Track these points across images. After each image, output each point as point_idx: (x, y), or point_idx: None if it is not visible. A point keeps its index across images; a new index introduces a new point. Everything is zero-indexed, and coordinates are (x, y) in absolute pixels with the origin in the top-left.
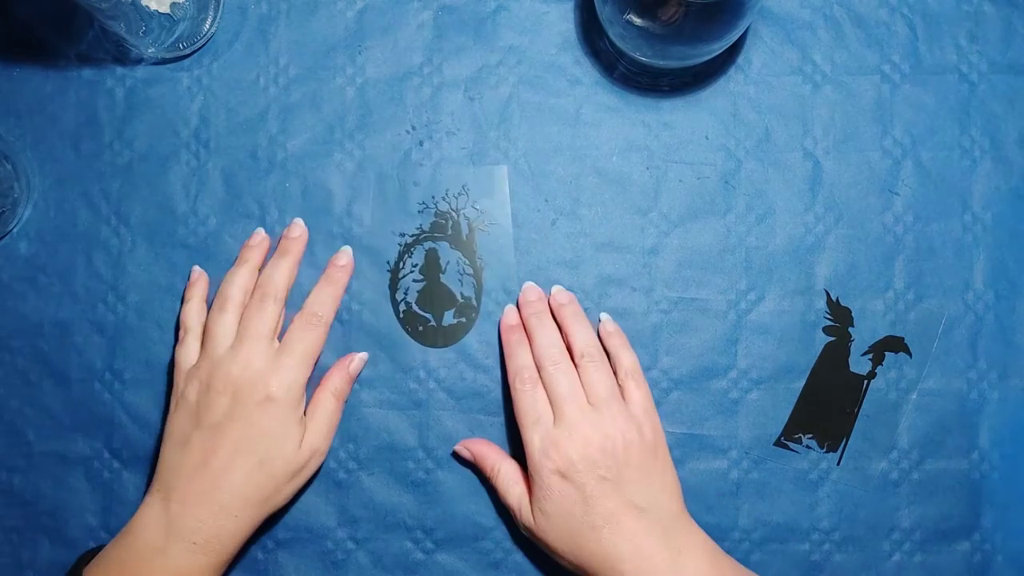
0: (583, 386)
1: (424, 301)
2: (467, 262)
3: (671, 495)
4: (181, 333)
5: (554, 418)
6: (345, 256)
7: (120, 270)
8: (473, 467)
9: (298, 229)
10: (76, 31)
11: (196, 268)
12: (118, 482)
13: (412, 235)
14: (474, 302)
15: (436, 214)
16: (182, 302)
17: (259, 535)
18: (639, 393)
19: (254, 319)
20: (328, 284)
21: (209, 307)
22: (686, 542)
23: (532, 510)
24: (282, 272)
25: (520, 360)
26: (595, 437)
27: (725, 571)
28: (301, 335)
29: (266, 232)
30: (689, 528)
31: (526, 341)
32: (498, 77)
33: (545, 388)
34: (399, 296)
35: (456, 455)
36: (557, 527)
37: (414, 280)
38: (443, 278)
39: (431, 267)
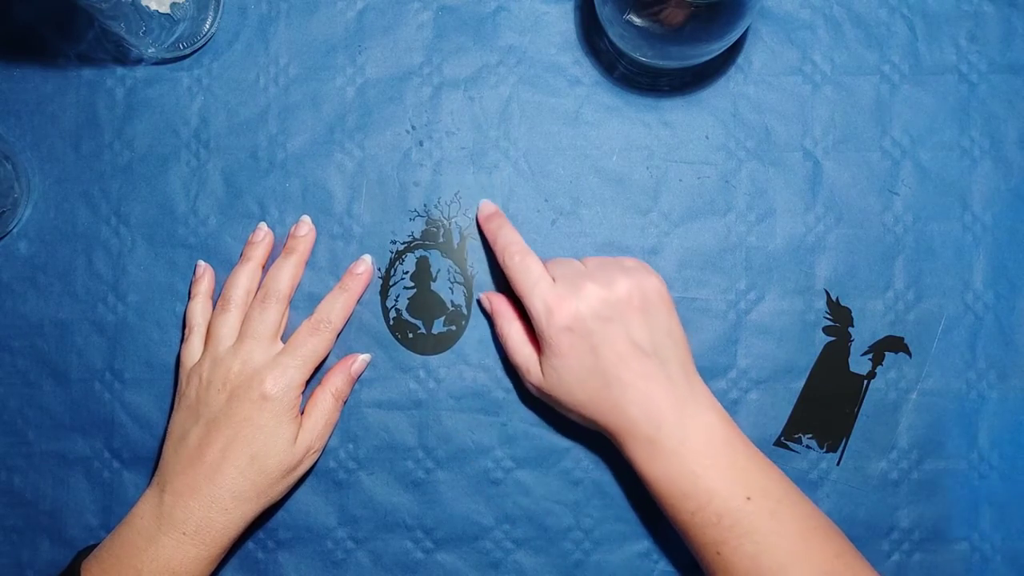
0: (578, 262)
1: (414, 308)
2: (458, 270)
3: (677, 341)
4: (186, 332)
5: (553, 280)
6: (363, 265)
7: (120, 270)
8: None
9: (305, 227)
10: (76, 31)
11: (201, 263)
12: (118, 482)
13: (404, 242)
14: (464, 310)
15: (428, 222)
16: (188, 298)
17: (259, 535)
18: (631, 259)
19: (256, 319)
20: (342, 292)
21: (215, 305)
22: (693, 391)
23: (542, 369)
24: (286, 272)
25: (506, 237)
26: (596, 288)
27: (729, 427)
28: (306, 339)
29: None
30: (694, 378)
31: (508, 223)
32: (498, 77)
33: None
34: (389, 303)
35: (479, 303)
36: (567, 381)
37: (405, 287)
38: (434, 286)
39: (422, 275)
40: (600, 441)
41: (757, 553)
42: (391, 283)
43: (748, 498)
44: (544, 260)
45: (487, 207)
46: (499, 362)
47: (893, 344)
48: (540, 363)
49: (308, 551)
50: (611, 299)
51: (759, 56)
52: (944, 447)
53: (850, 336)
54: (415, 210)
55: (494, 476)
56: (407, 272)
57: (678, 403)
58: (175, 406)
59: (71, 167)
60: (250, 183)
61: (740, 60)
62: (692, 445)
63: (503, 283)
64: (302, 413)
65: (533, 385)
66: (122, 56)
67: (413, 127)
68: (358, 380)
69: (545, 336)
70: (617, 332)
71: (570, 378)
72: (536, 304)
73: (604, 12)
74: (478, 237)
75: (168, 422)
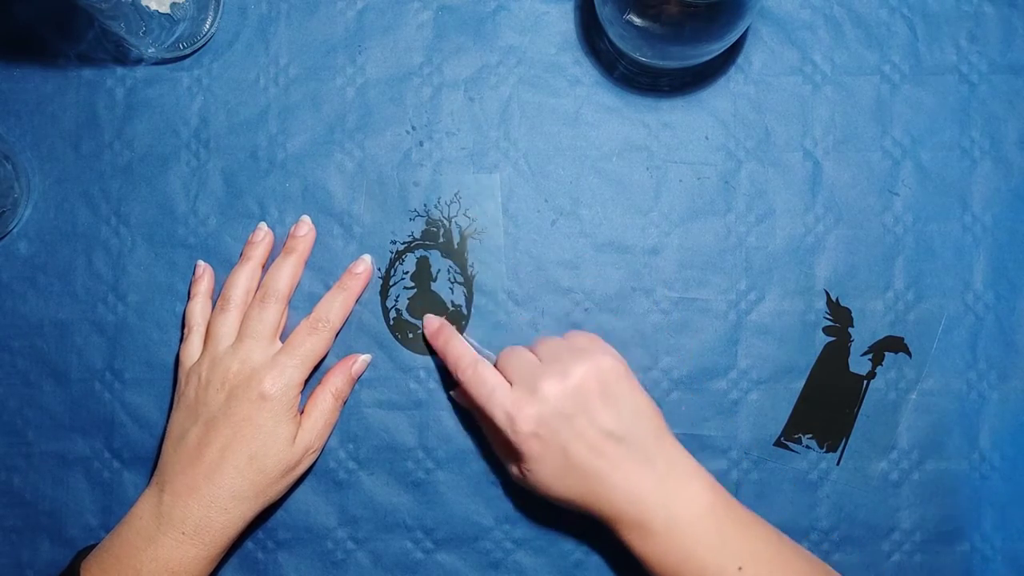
0: (530, 354)
1: (414, 309)
2: (458, 270)
3: (646, 417)
4: (185, 331)
5: (510, 383)
6: (363, 264)
7: (120, 270)
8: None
9: (305, 227)
10: (76, 31)
11: (201, 263)
12: (118, 482)
13: (404, 242)
14: (464, 310)
15: (428, 222)
16: (187, 298)
17: (259, 535)
18: (583, 336)
19: (255, 319)
20: (340, 291)
21: (214, 305)
22: (672, 463)
23: (520, 471)
24: (286, 272)
25: (455, 351)
26: (553, 383)
27: (712, 492)
28: (305, 338)
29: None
30: (673, 449)
31: (456, 336)
32: (498, 77)
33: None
34: (389, 303)
35: (450, 399)
36: (546, 481)
37: (405, 288)
38: (434, 286)
39: (422, 275)
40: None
41: None
42: (391, 283)
43: (740, 568)
44: (495, 354)
45: (431, 322)
46: None
47: (893, 344)
48: (519, 466)
49: (308, 551)
50: (570, 392)
51: (759, 56)
52: (945, 448)
53: (850, 336)
54: (415, 210)
55: (494, 476)
56: (407, 272)
57: (658, 482)
58: (174, 406)
59: (71, 167)
60: (250, 183)
61: (740, 60)
62: (678, 522)
63: (503, 283)
64: (302, 413)
65: (518, 480)
66: (122, 56)
67: (413, 127)
68: (358, 380)
69: (514, 444)
70: (583, 426)
71: (548, 478)
72: (498, 415)
73: (604, 12)
74: (479, 237)
75: (167, 422)
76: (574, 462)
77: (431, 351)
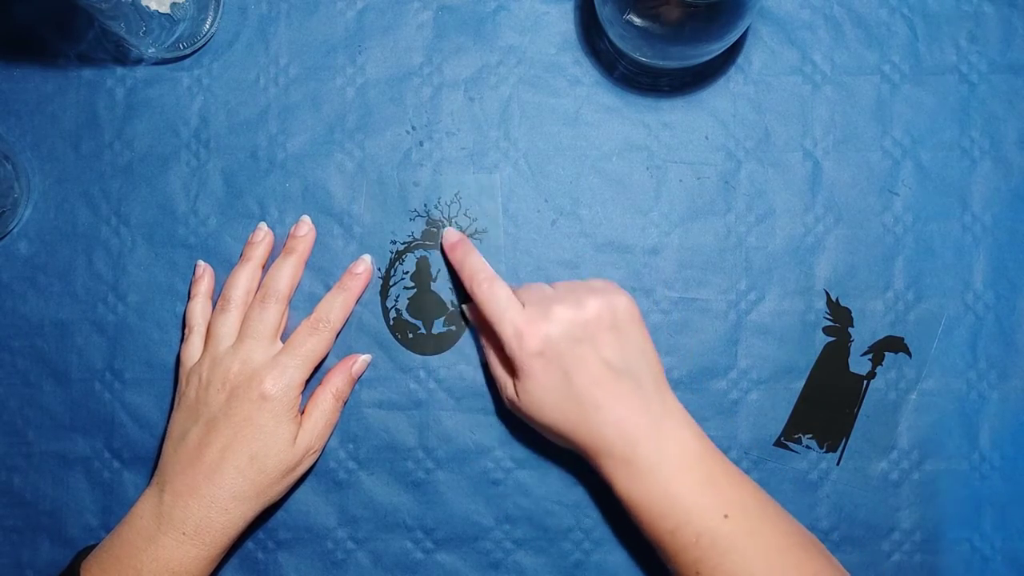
0: (547, 286)
1: (414, 309)
2: None
3: (648, 359)
4: (186, 331)
5: (523, 305)
6: (363, 265)
7: (120, 270)
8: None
9: (305, 227)
10: (76, 31)
11: (201, 263)
12: (118, 482)
13: (404, 242)
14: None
15: (428, 222)
16: (188, 298)
17: (259, 535)
18: (599, 280)
19: (255, 319)
20: (341, 291)
21: (215, 305)
22: (666, 409)
23: (516, 391)
24: (286, 272)
25: (472, 265)
26: (566, 309)
27: (704, 443)
28: (305, 339)
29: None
30: (667, 395)
31: (474, 251)
32: (498, 77)
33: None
34: (389, 303)
35: (462, 314)
36: (541, 404)
37: (405, 288)
38: (434, 286)
39: (422, 275)
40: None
41: (736, 572)
42: (391, 283)
43: (726, 516)
44: (513, 287)
45: (451, 235)
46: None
47: (893, 344)
48: (514, 384)
49: (308, 551)
50: (581, 320)
51: (759, 56)
52: (945, 448)
53: (850, 336)
54: (415, 210)
55: (494, 476)
56: (407, 272)
57: (653, 422)
58: (175, 406)
59: (71, 167)
60: (250, 183)
61: (740, 60)
62: (668, 464)
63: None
64: (302, 413)
65: (510, 402)
66: (122, 56)
67: (413, 127)
68: (358, 380)
69: (517, 361)
70: (589, 353)
71: (544, 401)
72: (506, 329)
73: (604, 12)
74: (479, 237)
75: (168, 422)
76: (574, 388)
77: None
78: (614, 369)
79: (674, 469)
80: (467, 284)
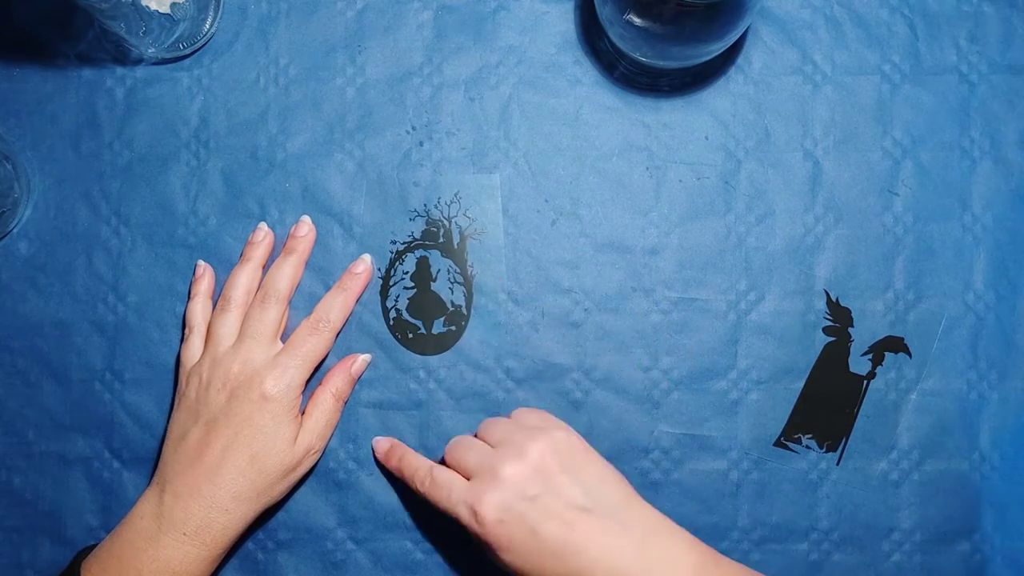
0: (480, 443)
1: (414, 309)
2: (458, 270)
3: (612, 484)
4: (186, 331)
5: (468, 479)
6: (363, 264)
7: (120, 270)
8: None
9: (305, 227)
10: (76, 31)
11: (201, 263)
12: (118, 482)
13: (403, 243)
14: (464, 311)
15: (428, 222)
16: (188, 298)
17: (259, 535)
18: (531, 413)
19: (256, 319)
20: (341, 291)
21: (215, 305)
22: (649, 528)
23: (496, 560)
24: (286, 272)
25: (410, 466)
26: (510, 467)
27: (692, 548)
28: (306, 338)
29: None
30: (646, 513)
31: (408, 452)
32: (498, 77)
33: (451, 468)
34: (389, 303)
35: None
36: (524, 566)
37: (405, 288)
38: (434, 286)
39: (422, 275)
40: (599, 442)
41: None
42: (391, 283)
43: None
44: (436, 458)
45: (381, 444)
46: (499, 362)
47: (893, 344)
48: (494, 556)
49: (308, 551)
50: (530, 473)
51: (759, 56)
52: (945, 448)
53: (850, 336)
54: (415, 210)
55: None
56: (407, 272)
57: (639, 548)
58: (175, 406)
59: (71, 167)
60: (250, 183)
61: (740, 60)
62: None
63: (503, 283)
64: (302, 413)
65: (498, 566)
66: (122, 56)
67: (413, 127)
68: (358, 380)
69: (482, 537)
70: (550, 503)
71: (525, 564)
72: (461, 512)
73: (604, 12)
74: (479, 237)
75: (168, 422)
76: (548, 544)
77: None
78: (582, 509)
79: None
80: (411, 484)
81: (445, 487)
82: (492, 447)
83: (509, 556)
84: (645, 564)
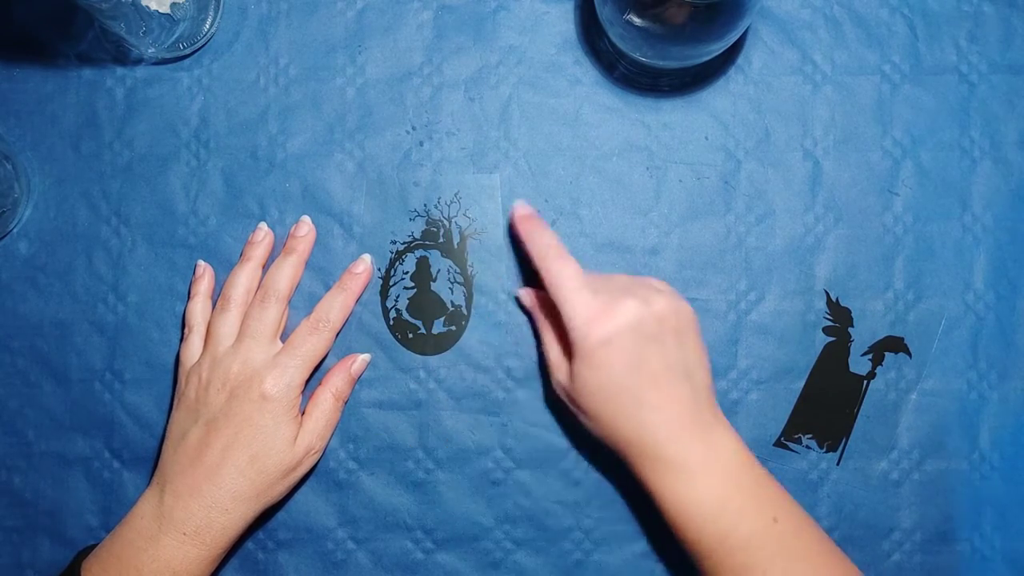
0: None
1: (414, 309)
2: (458, 270)
3: (705, 368)
4: (185, 331)
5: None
6: (362, 264)
7: (120, 270)
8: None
9: (305, 227)
10: (76, 31)
11: (201, 263)
12: (118, 482)
13: (404, 242)
14: (464, 310)
15: (428, 222)
16: (188, 298)
17: (259, 535)
18: (659, 281)
19: (255, 319)
20: (340, 291)
21: (215, 304)
22: (717, 417)
23: (572, 374)
24: (286, 272)
25: (543, 240)
26: (637, 304)
27: (748, 452)
28: (305, 338)
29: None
30: (718, 411)
31: (546, 226)
32: (498, 77)
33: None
34: (389, 303)
35: (517, 300)
36: (596, 393)
37: (405, 288)
38: (434, 286)
39: (422, 275)
40: (599, 442)
41: (783, 573)
42: (391, 283)
43: (775, 519)
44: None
45: (522, 208)
46: (499, 362)
47: (893, 344)
48: (571, 368)
49: (308, 551)
50: (651, 318)
51: (759, 56)
52: (945, 448)
53: (850, 336)
54: (415, 210)
55: (494, 476)
56: (407, 272)
57: (704, 429)
58: (174, 406)
59: (71, 167)
60: (250, 183)
61: (740, 60)
62: (720, 468)
63: (503, 283)
64: (302, 413)
65: (560, 385)
66: (122, 56)
67: (413, 127)
68: (358, 380)
69: (580, 346)
70: (654, 352)
71: (599, 390)
72: (575, 313)
73: (604, 12)
74: (479, 237)
75: (167, 422)
76: (632, 383)
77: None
78: (674, 372)
79: (725, 473)
80: (536, 259)
81: (572, 283)
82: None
83: (592, 375)
84: (706, 444)
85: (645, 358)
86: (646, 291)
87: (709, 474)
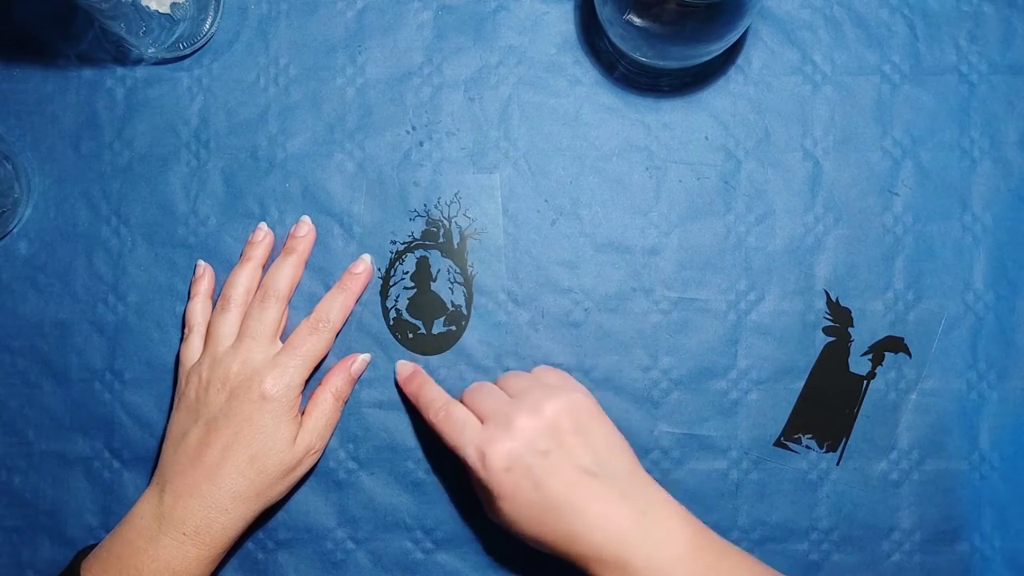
0: (500, 390)
1: (414, 309)
2: (458, 270)
3: (620, 452)
4: (185, 331)
5: (482, 423)
6: (362, 264)
7: (120, 270)
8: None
9: (305, 227)
10: (76, 31)
11: (201, 263)
12: (118, 482)
13: (404, 242)
14: (464, 311)
15: (428, 222)
16: (188, 298)
17: (259, 535)
18: (552, 372)
19: (255, 319)
20: (340, 291)
21: (215, 304)
22: (650, 500)
23: (493, 510)
24: (286, 272)
25: (427, 395)
26: (526, 419)
27: (690, 525)
28: (305, 338)
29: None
30: (648, 485)
31: (428, 381)
32: (498, 77)
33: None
34: (389, 303)
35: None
36: (520, 521)
37: (405, 288)
38: (434, 286)
39: (422, 275)
40: None
41: None
42: (391, 283)
43: None
44: (458, 395)
45: (403, 368)
46: (499, 362)
47: (893, 344)
48: (491, 504)
49: (308, 551)
50: (543, 428)
51: (759, 56)
52: (945, 448)
53: (850, 336)
54: (415, 210)
55: None
56: (407, 272)
57: (638, 518)
58: (174, 406)
59: (71, 167)
60: (250, 183)
61: (740, 60)
62: (663, 559)
63: (503, 283)
64: (302, 413)
65: (498, 524)
66: (122, 56)
67: (413, 127)
68: (358, 380)
69: (485, 482)
70: (559, 461)
71: (522, 517)
72: (469, 453)
73: (604, 12)
74: (479, 237)
75: (167, 422)
76: (550, 500)
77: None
78: (588, 472)
79: (668, 563)
80: (424, 414)
81: (458, 424)
82: (510, 397)
83: (507, 506)
84: (642, 534)
85: (551, 470)
86: (534, 398)
87: (650, 570)
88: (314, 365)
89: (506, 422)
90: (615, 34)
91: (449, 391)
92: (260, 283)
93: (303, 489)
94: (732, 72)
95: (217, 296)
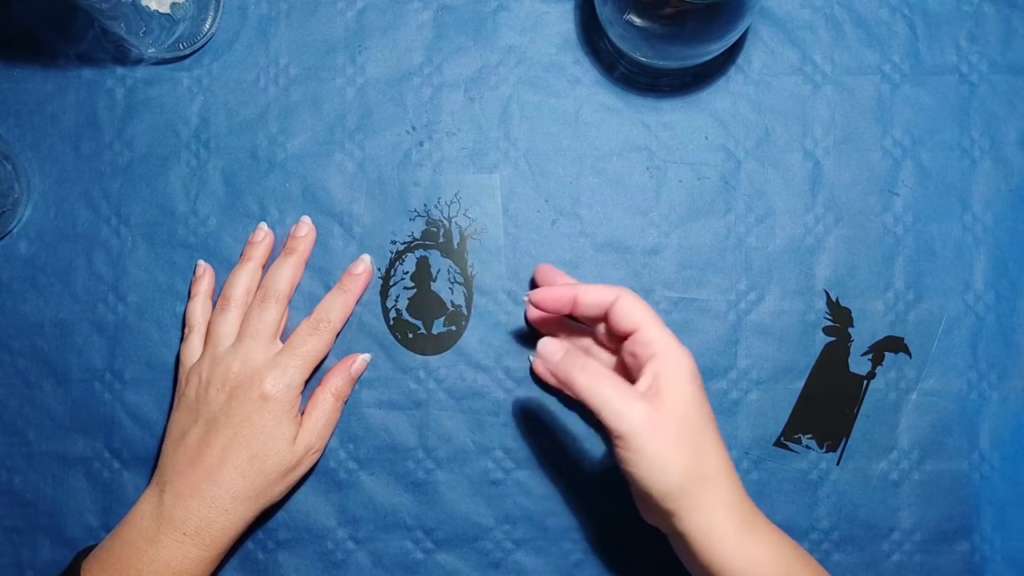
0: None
1: (414, 309)
2: (458, 270)
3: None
4: (185, 331)
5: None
6: (362, 265)
7: (120, 270)
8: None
9: (305, 228)
10: (76, 31)
11: (201, 263)
12: (118, 482)
13: (404, 242)
14: (464, 310)
15: (428, 222)
16: (188, 298)
17: (259, 535)
18: None
19: (255, 319)
20: (341, 292)
21: (215, 304)
22: (719, 461)
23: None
24: (286, 272)
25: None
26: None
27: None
28: (306, 339)
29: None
30: (718, 442)
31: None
32: (498, 77)
33: None
34: (389, 303)
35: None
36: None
37: (405, 288)
38: (434, 286)
39: (422, 275)
40: (599, 442)
41: None
42: (391, 283)
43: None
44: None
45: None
46: (499, 362)
47: (893, 344)
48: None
49: (308, 551)
50: (694, 367)
51: (759, 56)
52: (945, 448)
53: (850, 336)
54: (415, 210)
55: (494, 476)
56: (407, 272)
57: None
58: (174, 406)
59: (71, 167)
60: (250, 183)
61: (740, 60)
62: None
63: (503, 283)
64: (302, 413)
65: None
66: (122, 56)
67: (413, 127)
68: (358, 380)
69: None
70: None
71: (681, 424)
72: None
73: (604, 12)
74: (479, 237)
75: (167, 422)
76: (705, 422)
77: (429, 352)
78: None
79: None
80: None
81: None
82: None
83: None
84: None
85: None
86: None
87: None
88: (314, 365)
89: (664, 385)
90: (615, 34)
91: (449, 391)
92: (260, 283)
93: (303, 489)
94: (732, 72)
95: (217, 296)
